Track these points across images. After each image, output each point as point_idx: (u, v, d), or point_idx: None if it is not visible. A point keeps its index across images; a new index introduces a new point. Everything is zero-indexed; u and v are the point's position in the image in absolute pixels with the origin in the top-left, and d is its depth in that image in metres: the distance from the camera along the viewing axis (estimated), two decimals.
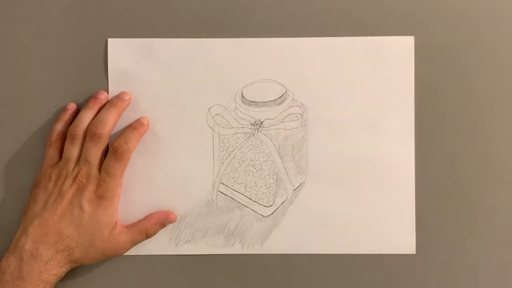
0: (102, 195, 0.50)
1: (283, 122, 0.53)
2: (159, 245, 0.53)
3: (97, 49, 0.53)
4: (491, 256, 0.53)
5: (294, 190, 0.53)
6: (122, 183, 0.51)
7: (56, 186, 0.50)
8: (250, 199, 0.53)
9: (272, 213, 0.53)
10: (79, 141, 0.51)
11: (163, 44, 0.53)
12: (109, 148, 0.51)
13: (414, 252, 0.53)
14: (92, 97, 0.52)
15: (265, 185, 0.53)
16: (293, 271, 0.53)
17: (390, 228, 0.53)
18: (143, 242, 0.52)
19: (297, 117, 0.53)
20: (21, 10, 0.53)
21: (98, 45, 0.53)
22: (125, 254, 0.52)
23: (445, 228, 0.53)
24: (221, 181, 0.53)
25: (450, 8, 0.53)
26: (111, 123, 0.51)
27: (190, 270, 0.53)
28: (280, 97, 0.53)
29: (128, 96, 0.52)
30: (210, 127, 0.53)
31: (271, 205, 0.53)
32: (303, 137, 0.53)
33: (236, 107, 0.53)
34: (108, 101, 0.52)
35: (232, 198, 0.53)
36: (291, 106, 0.53)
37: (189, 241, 0.53)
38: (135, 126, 0.52)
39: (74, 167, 0.50)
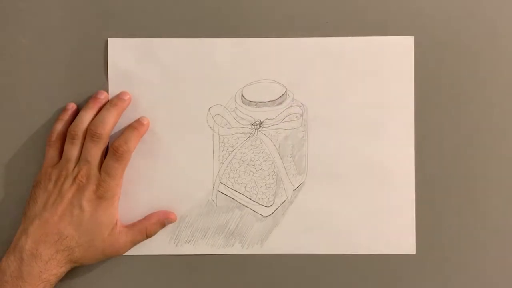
0: (102, 195, 0.50)
1: (283, 122, 0.53)
2: (159, 245, 0.53)
3: (97, 49, 0.53)
4: (491, 256, 0.53)
5: (294, 190, 0.53)
6: (122, 183, 0.51)
7: (56, 186, 0.50)
8: (250, 199, 0.53)
9: (272, 213, 0.53)
10: (79, 141, 0.51)
11: (163, 44, 0.53)
12: (109, 148, 0.51)
13: (414, 252, 0.53)
14: (92, 97, 0.52)
15: (265, 185, 0.53)
16: (293, 271, 0.53)
17: (390, 228, 0.53)
18: (143, 242, 0.52)
19: (297, 117, 0.53)
20: (21, 10, 0.53)
21: (98, 45, 0.53)
22: (125, 254, 0.52)
23: (445, 228, 0.53)
24: (221, 181, 0.53)
25: (450, 8, 0.53)
26: (111, 123, 0.51)
27: (190, 270, 0.53)
28: (280, 97, 0.53)
29: (128, 96, 0.52)
30: (210, 127, 0.53)
31: (271, 205, 0.53)
32: (303, 137, 0.53)
33: (236, 107, 0.53)
34: (108, 101, 0.52)
35: (232, 198, 0.53)
36: (291, 106, 0.53)
37: (189, 241, 0.53)
38: (135, 126, 0.52)
39: (74, 167, 0.50)
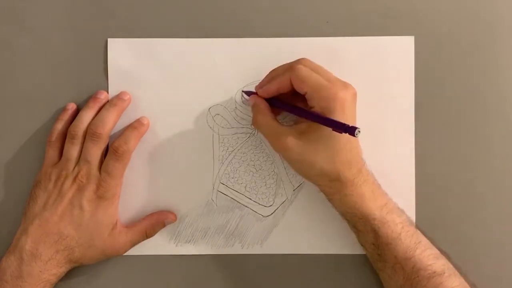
0: (102, 195, 0.50)
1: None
2: (159, 245, 0.53)
3: (97, 49, 0.53)
4: (491, 256, 0.53)
5: (294, 190, 0.53)
6: (122, 183, 0.51)
7: (56, 186, 0.50)
8: (250, 199, 0.53)
9: (272, 213, 0.53)
10: (79, 141, 0.51)
11: (163, 44, 0.53)
12: (109, 148, 0.51)
13: None
14: (92, 97, 0.52)
15: (265, 185, 0.53)
16: (293, 271, 0.53)
17: None
18: (143, 242, 0.52)
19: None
20: (21, 10, 0.53)
21: (98, 45, 0.53)
22: (125, 254, 0.52)
23: (445, 228, 0.52)
24: (221, 181, 0.53)
25: (450, 8, 0.53)
26: (111, 123, 0.51)
27: (190, 270, 0.53)
28: None
29: (128, 96, 0.52)
30: (210, 127, 0.53)
31: (271, 205, 0.53)
32: None
33: (236, 107, 0.53)
34: (108, 101, 0.52)
35: (232, 198, 0.53)
36: None
37: (189, 241, 0.53)
38: (135, 126, 0.52)
39: (74, 167, 0.50)
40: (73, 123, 0.51)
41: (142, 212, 0.53)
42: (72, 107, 0.52)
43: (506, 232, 0.53)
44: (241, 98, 0.53)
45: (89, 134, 0.50)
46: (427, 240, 0.49)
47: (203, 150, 0.53)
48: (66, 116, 0.52)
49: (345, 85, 0.47)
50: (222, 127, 0.53)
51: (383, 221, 0.47)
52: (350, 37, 0.53)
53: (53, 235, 0.49)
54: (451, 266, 0.48)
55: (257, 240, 0.53)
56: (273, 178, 0.53)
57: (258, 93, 0.50)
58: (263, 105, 0.49)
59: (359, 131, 0.42)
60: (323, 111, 0.46)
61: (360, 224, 0.48)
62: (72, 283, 0.53)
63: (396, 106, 0.53)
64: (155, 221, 0.52)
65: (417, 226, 0.52)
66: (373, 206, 0.47)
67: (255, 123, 0.50)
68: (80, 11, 0.53)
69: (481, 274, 0.52)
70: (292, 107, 0.49)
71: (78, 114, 0.52)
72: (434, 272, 0.46)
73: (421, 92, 0.53)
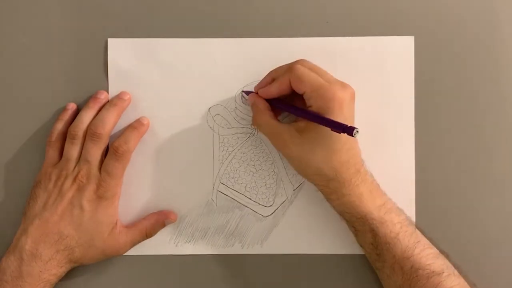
0: (102, 195, 0.50)
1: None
2: (159, 245, 0.53)
3: (97, 49, 0.53)
4: (492, 256, 0.53)
5: (294, 190, 0.53)
6: (122, 183, 0.51)
7: (56, 186, 0.50)
8: (250, 199, 0.53)
9: (272, 213, 0.53)
10: (79, 141, 0.51)
11: (163, 44, 0.53)
12: (109, 148, 0.51)
13: None
14: (92, 97, 0.52)
15: (265, 185, 0.53)
16: (293, 271, 0.53)
17: None
18: (143, 242, 0.52)
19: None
20: (21, 10, 0.53)
21: (98, 45, 0.53)
22: (125, 254, 0.52)
23: (445, 228, 0.53)
24: (221, 181, 0.53)
25: (450, 8, 0.53)
26: (111, 123, 0.51)
27: (190, 270, 0.53)
28: None
29: (128, 96, 0.52)
30: (210, 127, 0.53)
31: (271, 205, 0.53)
32: None
33: (236, 107, 0.53)
34: (108, 101, 0.52)
35: (232, 198, 0.53)
36: None
37: (189, 241, 0.53)
38: (135, 126, 0.52)
39: (74, 167, 0.50)
40: (73, 123, 0.51)
41: (142, 212, 0.53)
42: (72, 107, 0.52)
43: (506, 232, 0.53)
44: (241, 98, 0.53)
45: (89, 134, 0.50)
46: (426, 240, 0.49)
47: (203, 150, 0.53)
48: (66, 116, 0.52)
49: (344, 85, 0.47)
50: (222, 127, 0.53)
51: (381, 221, 0.47)
52: (350, 37, 0.53)
53: (53, 235, 0.49)
54: (450, 265, 0.48)
55: (257, 240, 0.53)
56: (273, 178, 0.53)
57: (258, 93, 0.50)
58: (263, 104, 0.49)
59: (357, 131, 0.42)
60: (321, 110, 0.46)
61: (359, 224, 0.48)
62: (72, 283, 0.53)
63: (396, 106, 0.53)
64: (155, 221, 0.52)
65: (417, 226, 0.52)
66: (371, 206, 0.47)
67: (254, 121, 0.50)
68: (80, 11, 0.53)
69: (481, 274, 0.52)
70: (291, 106, 0.49)
71: (78, 114, 0.52)
72: (433, 271, 0.46)
73: (421, 92, 0.53)
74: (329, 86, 0.46)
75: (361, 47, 0.53)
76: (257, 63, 0.52)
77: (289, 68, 0.47)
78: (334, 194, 0.48)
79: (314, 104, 0.46)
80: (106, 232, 0.50)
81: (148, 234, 0.52)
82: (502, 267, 0.53)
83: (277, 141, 0.48)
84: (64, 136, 0.52)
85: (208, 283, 0.53)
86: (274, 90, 0.48)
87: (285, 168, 0.53)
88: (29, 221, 0.49)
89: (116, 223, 0.51)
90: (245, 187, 0.53)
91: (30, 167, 0.52)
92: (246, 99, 0.52)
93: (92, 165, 0.50)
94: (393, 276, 0.47)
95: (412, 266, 0.46)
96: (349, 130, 0.43)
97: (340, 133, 0.44)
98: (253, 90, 0.51)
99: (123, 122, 0.52)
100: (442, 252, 0.49)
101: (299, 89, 0.47)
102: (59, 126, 0.52)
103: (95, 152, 0.50)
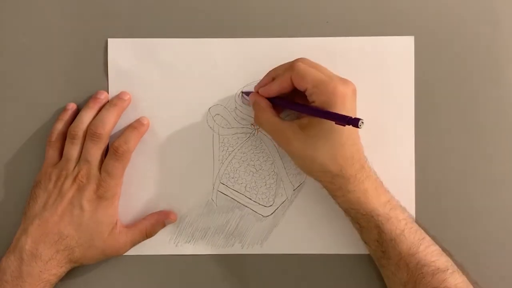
0: (102, 195, 0.50)
1: None
2: (159, 245, 0.53)
3: (97, 49, 0.53)
4: (492, 256, 0.53)
5: (294, 190, 0.53)
6: (122, 183, 0.51)
7: (56, 186, 0.50)
8: (250, 199, 0.53)
9: (272, 213, 0.53)
10: (79, 141, 0.51)
11: (163, 44, 0.53)
12: (109, 148, 0.51)
13: None
14: (92, 97, 0.52)
15: (265, 185, 0.53)
16: (293, 271, 0.53)
17: None
18: (143, 242, 0.52)
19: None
20: (21, 10, 0.53)
21: (98, 45, 0.53)
22: (125, 254, 0.52)
23: (445, 228, 0.53)
24: (221, 181, 0.53)
25: (450, 8, 0.53)
26: (111, 123, 0.51)
27: (190, 270, 0.53)
28: None
29: (128, 96, 0.52)
30: (210, 127, 0.53)
31: (271, 205, 0.53)
32: None
33: (236, 107, 0.53)
34: (108, 101, 0.52)
35: (232, 198, 0.53)
36: None
37: (189, 241, 0.53)
38: (135, 126, 0.52)
39: (74, 167, 0.50)
40: (73, 123, 0.51)
41: (142, 212, 0.53)
42: (72, 107, 0.52)
43: (506, 231, 0.53)
44: (241, 99, 0.53)
45: (89, 134, 0.50)
46: (429, 237, 0.49)
47: (203, 150, 0.53)
48: (66, 116, 0.52)
49: (345, 81, 0.47)
50: (222, 127, 0.53)
51: (387, 217, 0.47)
52: (350, 37, 0.53)
53: (53, 235, 0.49)
54: (453, 263, 0.48)
55: (257, 240, 0.53)
56: (273, 178, 0.53)
57: (259, 92, 0.50)
58: (264, 103, 0.49)
59: (363, 122, 0.42)
60: (323, 105, 0.46)
61: (364, 220, 0.48)
62: (72, 283, 0.53)
63: (396, 106, 0.53)
64: (155, 221, 0.52)
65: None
66: (376, 203, 0.47)
67: (256, 120, 0.50)
68: (80, 11, 0.53)
69: (481, 274, 0.52)
70: (293, 103, 0.49)
71: (78, 114, 0.52)
72: (438, 268, 0.46)
73: (421, 92, 0.53)
74: (331, 81, 0.46)
75: (361, 47, 0.53)
76: (257, 63, 0.52)
77: (290, 66, 0.47)
78: (339, 191, 0.48)
79: (316, 100, 0.46)
80: (106, 232, 0.50)
81: (148, 234, 0.52)
82: (502, 267, 0.53)
83: (280, 139, 0.48)
84: (64, 136, 0.52)
85: (208, 283, 0.53)
86: (275, 88, 0.48)
87: (285, 168, 0.53)
88: (29, 221, 0.49)
89: (116, 223, 0.51)
90: (245, 187, 0.53)
91: (30, 167, 0.52)
92: (246, 99, 0.52)
93: (92, 165, 0.50)
94: (398, 273, 0.47)
95: (418, 263, 0.46)
96: (354, 122, 0.42)
97: (344, 125, 0.43)
98: (253, 90, 0.51)
99: (123, 122, 0.52)
100: (444, 250, 0.49)
101: (301, 86, 0.47)
102: (59, 126, 0.52)
103: (95, 152, 0.50)
